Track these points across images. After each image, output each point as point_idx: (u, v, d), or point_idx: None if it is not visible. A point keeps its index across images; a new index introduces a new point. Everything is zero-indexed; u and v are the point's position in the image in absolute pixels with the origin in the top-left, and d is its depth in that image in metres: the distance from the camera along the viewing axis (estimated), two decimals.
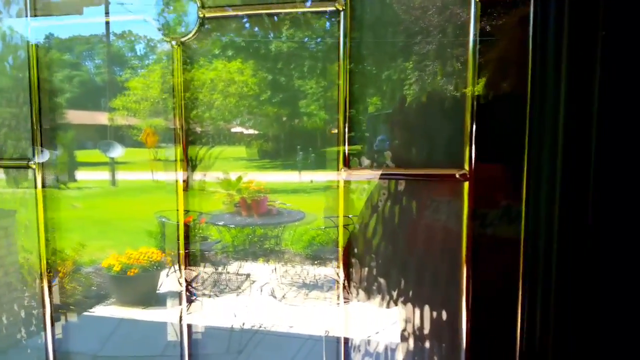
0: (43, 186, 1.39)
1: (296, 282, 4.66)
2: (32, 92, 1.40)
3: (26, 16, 1.37)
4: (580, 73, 1.00)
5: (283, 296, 4.34)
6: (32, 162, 1.28)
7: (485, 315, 1.22)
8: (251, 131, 13.91)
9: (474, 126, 1.15)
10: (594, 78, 0.99)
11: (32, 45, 1.38)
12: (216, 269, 4.72)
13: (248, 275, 4.73)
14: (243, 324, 3.58)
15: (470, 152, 1.14)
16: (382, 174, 1.34)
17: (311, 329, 3.58)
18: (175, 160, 1.54)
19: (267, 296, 4.33)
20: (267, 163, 13.54)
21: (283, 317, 3.84)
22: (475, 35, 1.14)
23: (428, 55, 1.46)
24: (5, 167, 1.72)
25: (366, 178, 1.35)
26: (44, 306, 1.33)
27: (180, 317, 1.75)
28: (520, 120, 1.09)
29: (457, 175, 1.15)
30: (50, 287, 1.34)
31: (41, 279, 1.36)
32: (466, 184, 1.15)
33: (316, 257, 5.07)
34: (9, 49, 2.02)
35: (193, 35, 1.32)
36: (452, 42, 1.33)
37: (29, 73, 1.40)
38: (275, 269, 4.88)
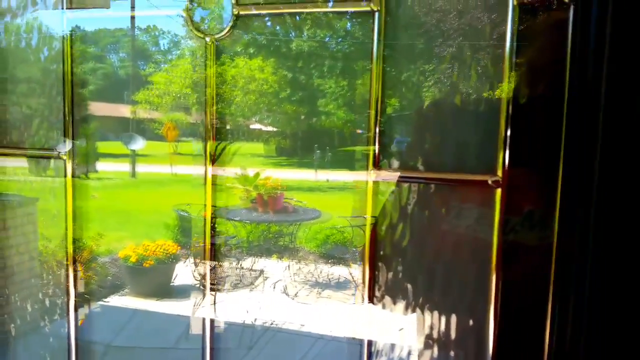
0: (73, 176, 1.42)
1: (309, 281, 4.67)
2: (66, 84, 1.43)
3: (62, 8, 1.39)
4: (623, 77, 0.97)
5: (296, 294, 4.36)
6: (63, 153, 1.31)
7: (513, 322, 1.20)
8: (269, 128, 13.97)
9: (509, 131, 1.13)
10: (637, 82, 0.97)
11: (67, 37, 1.41)
12: (231, 264, 4.75)
13: (262, 272, 4.75)
14: (255, 320, 3.60)
15: (503, 157, 1.12)
16: (411, 177, 1.33)
17: (323, 328, 3.58)
18: (204, 155, 1.55)
19: (280, 293, 4.35)
20: (284, 160, 13.58)
21: (295, 315, 3.85)
22: (512, 38, 1.12)
23: (461, 58, 1.45)
24: (37, 157, 1.76)
25: (394, 180, 1.34)
26: (68, 294, 1.36)
27: (202, 311, 1.77)
28: (555, 125, 1.07)
29: (490, 182, 1.13)
30: (75, 276, 1.37)
31: (67, 267, 1.39)
32: (498, 191, 1.13)
33: (330, 256, 5.07)
34: (44, 41, 2.06)
35: (227, 33, 1.33)
36: (487, 46, 1.31)
37: (63, 65, 1.42)
38: (288, 266, 4.90)
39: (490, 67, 1.30)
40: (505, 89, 1.13)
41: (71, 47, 1.38)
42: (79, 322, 1.45)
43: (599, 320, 1.07)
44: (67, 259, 1.39)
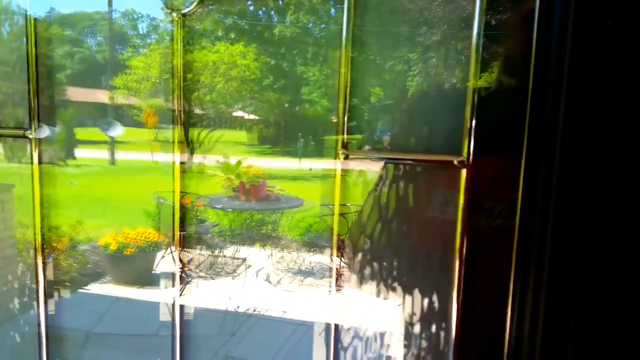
0: (40, 162, 1.38)
1: (292, 269, 4.68)
2: (30, 67, 1.37)
3: None
4: (583, 66, 0.99)
5: (278, 282, 4.36)
6: (29, 132, 1.27)
7: (476, 305, 1.23)
8: (252, 116, 13.88)
9: (474, 120, 1.15)
10: (597, 71, 0.99)
11: (30, 17, 1.35)
12: (213, 252, 4.73)
13: (244, 260, 4.75)
14: (237, 307, 3.60)
15: (468, 145, 1.14)
16: (380, 158, 1.33)
17: (305, 315, 3.60)
18: (173, 142, 1.52)
19: (263, 281, 4.35)
20: (267, 149, 13.53)
21: (277, 302, 3.86)
22: (479, 27, 1.12)
23: (431, 46, 1.44)
24: (2, 136, 1.70)
25: (363, 159, 1.33)
26: (37, 282, 1.33)
27: (174, 297, 1.75)
28: (520, 115, 1.08)
29: (455, 162, 1.15)
30: (44, 263, 1.34)
31: (35, 254, 1.35)
32: (464, 171, 1.14)
33: (312, 244, 5.08)
34: (8, 21, 2.00)
35: (194, 8, 1.29)
36: (455, 35, 1.31)
37: (27, 47, 1.37)
38: (271, 254, 4.90)
39: (458, 56, 1.31)
40: (472, 78, 1.14)
41: (35, 27, 1.32)
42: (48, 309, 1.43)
43: (557, 303, 1.10)
44: (35, 246, 1.36)
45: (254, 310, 3.66)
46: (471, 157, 1.13)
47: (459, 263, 1.16)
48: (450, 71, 1.36)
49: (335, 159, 1.27)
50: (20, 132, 1.32)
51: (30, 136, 1.28)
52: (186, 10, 1.28)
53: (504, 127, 1.15)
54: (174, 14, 1.29)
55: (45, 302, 1.36)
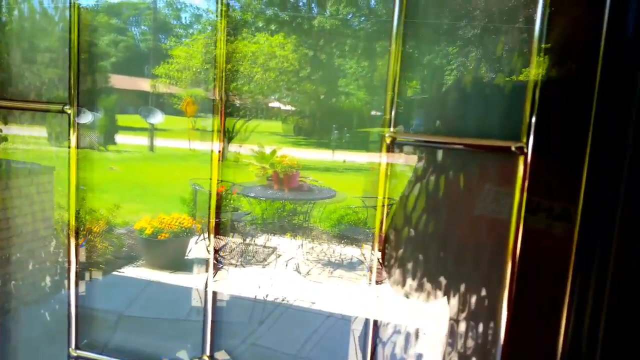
0: (79, 145, 1.41)
1: (321, 260, 4.68)
2: (72, 53, 1.40)
3: None
4: None
5: (308, 272, 4.37)
6: (67, 107, 1.29)
7: (528, 307, 1.16)
8: (288, 107, 13.92)
9: (534, 118, 1.08)
10: None
11: (75, 4, 1.38)
12: (244, 240, 4.78)
13: (275, 249, 4.78)
14: (266, 296, 3.63)
15: (528, 132, 1.07)
16: (429, 142, 1.27)
17: (333, 307, 3.60)
18: (212, 131, 1.52)
19: (292, 271, 4.37)
20: (301, 140, 13.55)
21: (306, 293, 3.87)
22: (542, 18, 1.06)
23: (484, 40, 1.38)
24: (41, 111, 1.74)
25: (401, 152, 1.28)
26: (69, 262, 1.36)
27: (206, 283, 1.77)
28: (584, 111, 1.01)
29: (513, 148, 1.08)
30: (77, 245, 1.37)
31: (69, 236, 1.39)
32: (521, 159, 1.08)
33: (343, 236, 5.07)
34: (57, 9, 2.05)
35: None
36: (515, 28, 1.25)
37: (70, 34, 1.39)
38: (301, 244, 4.91)
39: (519, 48, 1.24)
40: (533, 71, 1.07)
41: (79, 15, 1.35)
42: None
43: (618, 321, 1.02)
44: (69, 227, 1.39)
45: (283, 300, 3.68)
46: (530, 144, 1.05)
47: (512, 260, 1.10)
48: (498, 64, 1.30)
49: (382, 143, 1.23)
50: (59, 106, 1.34)
51: (69, 111, 1.31)
52: None
53: (566, 120, 1.08)
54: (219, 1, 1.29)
55: (77, 283, 1.40)
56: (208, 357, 1.42)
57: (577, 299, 1.03)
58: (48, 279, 2.34)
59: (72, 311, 1.34)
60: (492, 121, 1.24)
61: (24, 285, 2.12)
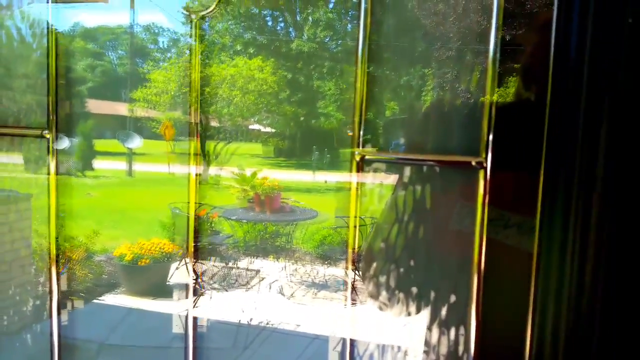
0: (57, 172, 1.39)
1: (305, 281, 4.65)
2: (50, 78, 1.39)
3: (47, 1, 1.36)
4: (603, 73, 0.96)
5: (292, 294, 4.33)
6: (46, 132, 1.28)
7: (495, 323, 1.19)
8: (268, 129, 13.97)
9: (491, 135, 1.12)
10: (617, 78, 0.96)
11: (53, 30, 1.37)
12: (227, 264, 4.73)
13: (258, 272, 4.73)
14: (250, 320, 3.58)
15: (487, 148, 1.12)
16: (396, 159, 1.31)
17: (318, 328, 3.56)
18: (190, 154, 1.52)
19: (276, 293, 4.33)
20: (282, 161, 13.58)
21: (291, 316, 3.83)
22: (495, 42, 1.11)
23: (446, 62, 1.43)
24: (20, 136, 1.72)
25: (377, 170, 1.31)
26: (50, 292, 1.33)
27: (188, 309, 1.74)
28: (538, 128, 1.06)
29: (474, 163, 1.12)
30: (58, 274, 1.34)
31: (50, 264, 1.36)
32: (481, 172, 1.12)
33: (326, 257, 5.05)
34: (35, 36, 2.04)
35: (213, 10, 1.29)
36: (471, 50, 1.30)
37: (48, 59, 1.39)
38: (285, 266, 4.88)
39: (473, 72, 1.29)
40: (488, 92, 1.12)
41: (56, 41, 1.35)
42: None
43: (578, 326, 1.05)
44: (49, 256, 1.36)
45: (267, 323, 3.64)
46: (489, 158, 1.10)
47: (477, 268, 1.13)
48: (465, 85, 1.34)
49: (351, 161, 1.25)
50: (38, 131, 1.33)
51: (48, 136, 1.29)
52: (204, 12, 1.29)
53: (521, 138, 1.14)
54: (193, 16, 1.30)
55: (59, 312, 1.37)
56: None
57: (540, 303, 1.06)
58: (29, 305, 2.28)
59: (54, 341, 1.30)
60: (455, 139, 1.30)
61: (4, 313, 2.06)
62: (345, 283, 4.73)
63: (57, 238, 1.41)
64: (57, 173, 1.43)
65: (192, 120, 1.52)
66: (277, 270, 4.90)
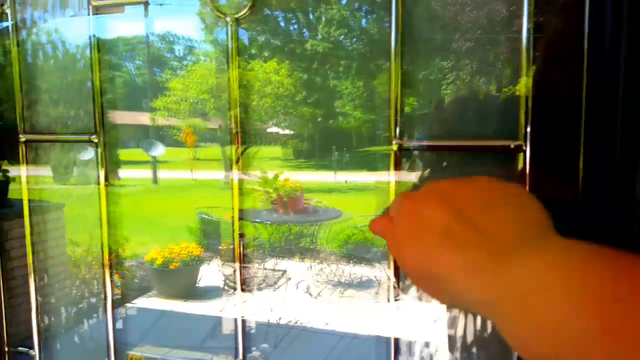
0: (106, 178, 1.46)
1: (331, 280, 4.69)
2: (94, 85, 1.47)
3: (88, 14, 1.43)
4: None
5: (319, 294, 4.37)
6: (94, 137, 1.34)
7: None
8: (286, 131, 14.04)
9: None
10: None
11: (94, 44, 1.44)
12: (253, 265, 4.79)
13: (284, 272, 4.79)
14: (279, 319, 3.63)
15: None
16: (434, 145, 1.31)
17: (346, 326, 3.59)
18: (231, 158, 1.56)
19: (303, 293, 4.37)
20: (302, 163, 13.62)
21: (319, 314, 3.87)
22: (528, 30, 1.11)
23: (472, 53, 1.44)
24: (68, 142, 1.79)
25: (419, 149, 1.31)
26: (105, 297, 1.40)
27: (229, 311, 1.79)
28: (575, 119, 1.06)
29: (512, 146, 1.13)
30: (112, 280, 1.41)
31: (103, 270, 1.43)
32: (521, 155, 1.12)
33: (351, 256, 5.08)
34: (69, 50, 2.12)
35: (247, 11, 1.32)
36: (505, 39, 1.31)
37: (92, 73, 1.46)
38: (311, 266, 4.92)
39: (509, 60, 1.30)
40: (523, 84, 1.13)
41: (98, 54, 1.42)
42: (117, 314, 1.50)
43: None
44: (102, 262, 1.43)
45: (296, 322, 3.68)
46: (528, 141, 1.10)
47: None
48: (493, 72, 1.35)
49: (389, 150, 1.26)
50: (86, 137, 1.39)
51: (96, 140, 1.35)
52: (239, 14, 1.31)
53: (559, 118, 1.13)
54: (228, 19, 1.33)
55: (113, 318, 1.43)
56: None
57: None
58: (70, 312, 2.36)
59: (110, 345, 1.37)
60: (491, 125, 1.30)
61: (49, 321, 2.14)
62: (371, 281, 4.74)
63: (109, 246, 1.48)
64: (106, 182, 1.49)
65: (232, 127, 1.56)
66: (303, 270, 4.94)
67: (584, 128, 1.02)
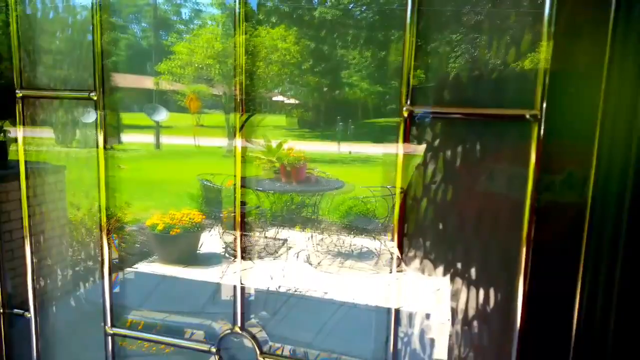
0: (105, 141, 1.42)
1: (331, 251, 4.70)
2: (96, 60, 1.42)
3: None
4: None
5: (318, 263, 4.39)
6: (93, 94, 1.30)
7: (542, 285, 1.17)
8: (292, 100, 13.91)
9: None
10: None
11: (96, 4, 1.39)
12: (254, 233, 4.81)
13: (285, 241, 4.80)
14: (279, 287, 3.66)
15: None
16: (447, 113, 1.27)
17: (345, 296, 3.62)
18: (235, 126, 1.53)
19: (303, 262, 4.39)
20: (306, 132, 13.55)
21: (318, 283, 3.90)
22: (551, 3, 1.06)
23: (490, 27, 1.38)
24: (67, 98, 1.76)
25: (431, 116, 1.27)
26: (102, 261, 1.39)
27: (228, 278, 1.79)
28: (594, 95, 1.01)
29: (528, 116, 1.09)
30: (109, 242, 1.40)
31: (101, 234, 1.41)
32: (535, 126, 1.08)
33: (352, 227, 5.08)
34: (70, 10, 2.06)
35: None
36: (524, 12, 1.25)
37: (93, 35, 1.41)
38: (311, 236, 4.93)
39: (527, 34, 1.24)
40: (542, 57, 1.08)
41: (100, 16, 1.36)
42: (112, 279, 1.50)
43: (631, 290, 1.03)
44: (100, 226, 1.41)
45: (295, 291, 3.71)
46: (544, 111, 1.06)
47: (528, 223, 1.10)
48: (511, 43, 1.30)
49: (400, 116, 1.22)
50: (85, 94, 1.35)
51: (95, 98, 1.31)
52: None
53: (577, 89, 1.08)
54: None
55: (110, 282, 1.43)
56: (239, 327, 1.46)
57: (592, 258, 1.04)
58: (66, 277, 2.38)
59: (107, 305, 1.36)
60: (507, 95, 1.25)
61: (46, 284, 2.15)
62: (372, 252, 4.76)
63: (107, 208, 1.46)
64: (105, 142, 1.46)
65: (237, 94, 1.52)
66: (304, 240, 4.96)
67: (602, 100, 0.98)
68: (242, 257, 1.51)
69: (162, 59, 10.67)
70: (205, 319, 2.90)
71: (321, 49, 12.62)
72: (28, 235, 1.55)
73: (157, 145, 11.07)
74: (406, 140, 1.23)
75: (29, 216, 1.57)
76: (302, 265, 4.39)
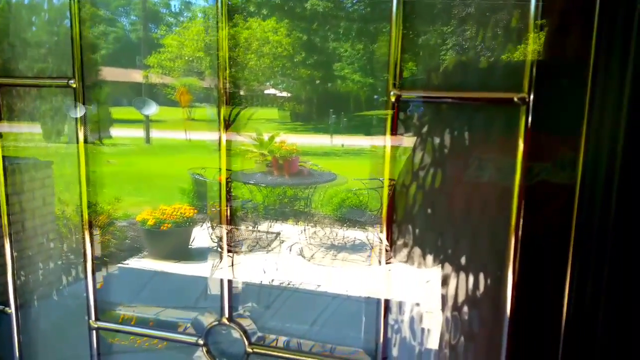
0: (85, 139, 1.38)
1: (324, 243, 4.69)
2: (75, 47, 1.37)
3: None
4: None
5: (312, 256, 4.38)
6: (72, 82, 1.26)
7: (532, 268, 1.16)
8: (284, 93, 13.84)
9: (532, 96, 1.07)
10: None
11: None
12: (247, 227, 4.78)
13: (278, 234, 4.78)
14: (272, 281, 3.64)
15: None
16: (435, 97, 1.26)
17: (338, 288, 3.61)
18: (218, 120, 1.51)
19: (296, 255, 4.38)
20: (299, 125, 13.49)
21: (311, 276, 3.88)
22: None
23: (475, 19, 1.36)
24: (45, 86, 1.71)
25: (419, 100, 1.26)
26: (85, 257, 1.35)
27: (220, 272, 1.77)
28: (581, 86, 1.00)
29: (516, 99, 1.07)
30: (91, 239, 1.36)
31: (82, 230, 1.37)
32: (523, 108, 1.07)
33: (345, 219, 5.07)
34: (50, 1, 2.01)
35: None
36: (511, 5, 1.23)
37: (71, 28, 1.36)
38: (304, 229, 4.91)
39: (514, 26, 1.22)
40: (529, 50, 1.06)
41: (79, 7, 1.31)
42: (98, 286, 1.47)
43: (620, 276, 1.02)
44: (82, 222, 1.37)
45: (289, 284, 3.69)
46: (532, 94, 1.05)
47: (516, 207, 1.09)
48: (499, 31, 1.28)
49: (387, 100, 1.20)
50: (64, 81, 1.31)
51: (74, 85, 1.27)
52: None
53: (564, 99, 1.07)
54: None
55: (93, 276, 1.39)
56: (227, 319, 1.44)
57: (581, 249, 1.03)
58: (56, 269, 2.34)
59: (90, 302, 1.33)
60: (495, 79, 1.24)
61: (36, 278, 2.11)
62: (364, 244, 4.75)
63: (94, 204, 1.43)
64: (85, 141, 1.43)
65: (221, 87, 1.49)
66: (297, 233, 4.94)
67: (590, 87, 0.96)
68: (235, 252, 1.48)
69: (151, 52, 10.56)
70: (194, 312, 2.88)
71: (313, 41, 12.54)
72: (7, 233, 1.51)
73: (147, 139, 10.97)
74: (394, 126, 1.20)
75: (9, 215, 1.53)
76: (295, 258, 4.37)
